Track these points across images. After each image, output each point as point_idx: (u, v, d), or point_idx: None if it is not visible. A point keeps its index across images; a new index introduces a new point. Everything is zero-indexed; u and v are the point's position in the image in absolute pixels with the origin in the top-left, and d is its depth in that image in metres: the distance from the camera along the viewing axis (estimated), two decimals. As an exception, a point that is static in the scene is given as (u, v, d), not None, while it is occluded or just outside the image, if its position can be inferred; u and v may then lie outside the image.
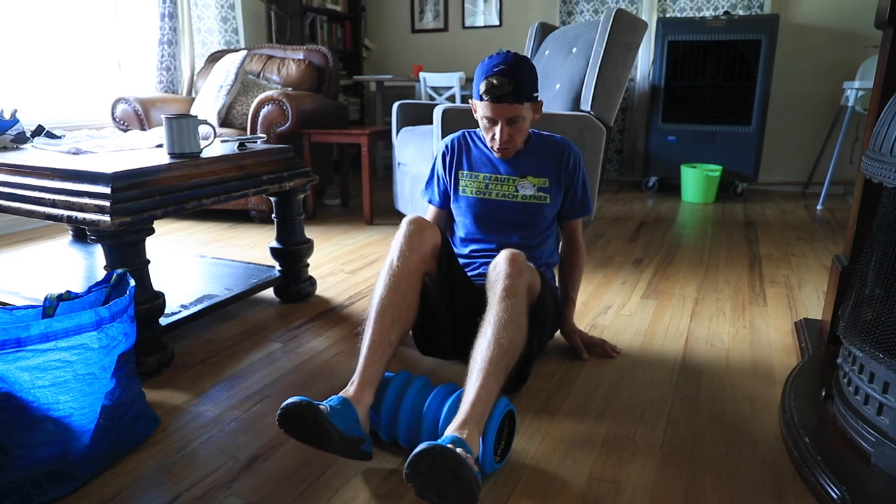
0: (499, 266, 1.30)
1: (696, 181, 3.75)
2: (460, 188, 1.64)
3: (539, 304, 1.40)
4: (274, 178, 1.83)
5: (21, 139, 1.97)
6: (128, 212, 1.40)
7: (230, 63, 3.29)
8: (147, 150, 1.87)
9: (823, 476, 1.09)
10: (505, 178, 1.60)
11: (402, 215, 3.24)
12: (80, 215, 1.42)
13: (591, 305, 2.04)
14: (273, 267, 2.08)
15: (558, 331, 1.71)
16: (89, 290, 1.32)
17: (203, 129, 1.82)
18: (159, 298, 1.52)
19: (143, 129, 3.31)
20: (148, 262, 1.51)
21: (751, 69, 3.71)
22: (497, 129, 1.50)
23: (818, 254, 2.65)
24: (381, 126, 3.75)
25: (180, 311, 1.71)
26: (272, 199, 1.97)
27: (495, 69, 1.43)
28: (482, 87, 1.45)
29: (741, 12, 4.00)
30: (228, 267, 2.11)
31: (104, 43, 3.53)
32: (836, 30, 3.86)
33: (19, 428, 1.05)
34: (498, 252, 1.59)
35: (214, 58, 3.69)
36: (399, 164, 2.99)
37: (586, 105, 2.44)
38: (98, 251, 2.32)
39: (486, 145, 1.62)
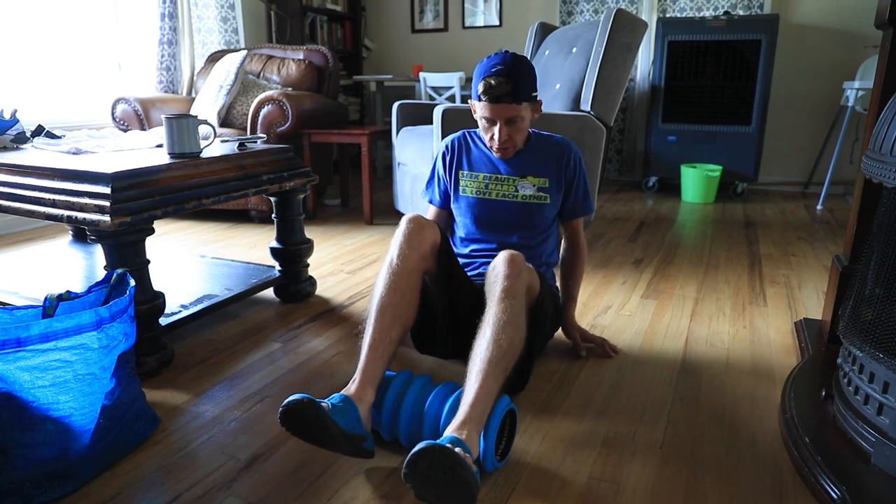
0: (497, 267, 1.30)
1: (696, 181, 3.75)
2: (460, 188, 1.64)
3: (538, 304, 1.41)
4: (274, 178, 1.83)
5: (21, 139, 1.97)
6: (128, 212, 1.40)
7: (230, 63, 3.29)
8: (147, 150, 1.87)
9: (823, 476, 1.09)
10: (505, 178, 1.60)
11: (402, 215, 3.24)
12: (80, 215, 1.42)
13: (591, 305, 2.04)
14: (273, 267, 2.08)
15: (558, 330, 1.71)
16: (89, 290, 1.32)
17: (203, 129, 1.82)
18: (159, 298, 1.52)
19: (143, 129, 3.31)
20: (148, 262, 1.51)
21: (751, 69, 3.71)
22: (496, 129, 1.50)
23: (818, 254, 2.65)
24: (381, 126, 3.75)
25: (180, 311, 1.71)
26: (272, 199, 1.97)
27: (493, 69, 1.43)
28: (480, 88, 1.45)
29: (741, 12, 4.00)
30: (228, 267, 2.11)
31: (104, 43, 3.53)
32: (836, 30, 3.86)
33: (19, 428, 1.05)
34: (498, 252, 1.60)
35: (214, 58, 3.69)
36: (399, 164, 2.99)
37: (586, 105, 2.44)
38: (98, 251, 2.32)
39: (486, 145, 1.62)
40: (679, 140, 3.94)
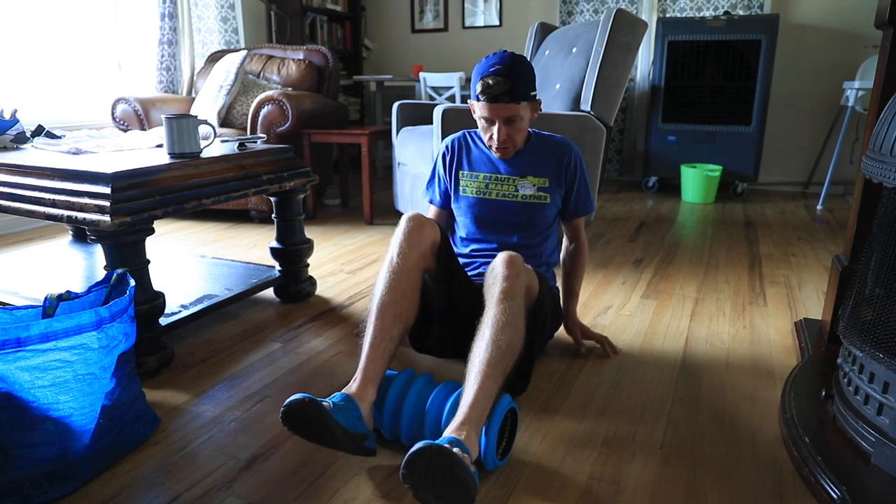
0: (496, 268, 1.30)
1: (696, 181, 3.75)
2: (461, 188, 1.65)
3: (538, 305, 1.41)
4: (274, 178, 1.83)
5: (21, 139, 1.97)
6: (128, 212, 1.40)
7: (230, 63, 3.29)
8: (147, 150, 1.87)
9: (823, 476, 1.09)
10: (505, 177, 1.60)
11: (402, 215, 3.24)
12: (80, 215, 1.42)
13: (591, 305, 2.04)
14: (273, 267, 2.08)
15: (558, 330, 1.71)
16: (89, 290, 1.32)
17: (203, 129, 1.82)
18: (159, 298, 1.52)
19: (143, 129, 3.31)
20: (148, 262, 1.51)
21: (751, 69, 3.71)
22: (495, 129, 1.50)
23: (818, 254, 2.66)
24: (381, 126, 3.75)
25: (180, 311, 1.71)
26: (272, 199, 1.97)
27: (491, 69, 1.43)
28: (478, 88, 1.45)
29: (741, 12, 4.00)
30: (228, 267, 2.11)
31: (104, 43, 3.53)
32: (836, 30, 3.86)
33: (19, 428, 1.05)
34: (498, 252, 1.60)
35: (214, 58, 3.69)
36: (399, 164, 2.99)
37: (586, 105, 2.44)
38: (98, 251, 2.32)
39: (486, 145, 1.62)
40: (679, 140, 3.94)
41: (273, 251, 2.03)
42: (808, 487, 1.13)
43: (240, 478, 1.16)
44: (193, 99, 3.60)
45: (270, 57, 3.63)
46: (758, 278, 2.32)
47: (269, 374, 1.57)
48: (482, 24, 4.77)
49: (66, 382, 1.08)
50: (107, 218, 1.37)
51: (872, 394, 1.14)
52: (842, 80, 3.84)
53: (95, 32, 3.47)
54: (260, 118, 3.07)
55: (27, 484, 1.06)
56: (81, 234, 2.51)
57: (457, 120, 2.35)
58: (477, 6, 4.75)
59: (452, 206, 1.68)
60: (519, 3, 4.62)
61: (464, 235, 1.67)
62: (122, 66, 3.67)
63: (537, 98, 1.53)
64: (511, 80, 1.42)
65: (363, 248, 2.75)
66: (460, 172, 1.65)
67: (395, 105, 3.03)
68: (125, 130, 3.32)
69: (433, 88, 4.15)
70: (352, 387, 1.20)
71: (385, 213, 3.42)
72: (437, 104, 2.83)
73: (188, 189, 1.58)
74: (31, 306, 1.27)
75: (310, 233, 2.72)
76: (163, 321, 1.60)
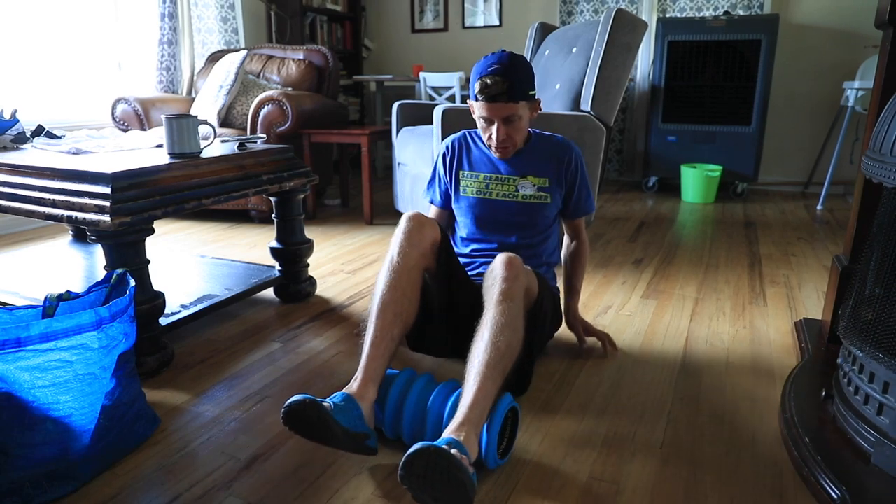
0: (495, 270, 1.30)
1: (696, 181, 3.75)
2: (461, 188, 1.65)
3: (537, 306, 1.41)
4: (274, 178, 1.83)
5: (21, 139, 1.97)
6: (128, 212, 1.40)
7: (230, 63, 3.29)
8: (147, 150, 1.87)
9: (823, 476, 1.09)
10: (505, 177, 1.60)
11: (402, 215, 3.24)
12: (80, 215, 1.42)
13: (591, 305, 2.04)
14: (273, 267, 2.08)
15: (559, 330, 1.71)
16: (89, 290, 1.32)
17: (203, 129, 1.82)
18: (159, 298, 1.52)
19: (143, 129, 3.31)
20: (148, 262, 1.51)
21: (751, 69, 3.71)
22: (494, 128, 1.50)
23: (818, 254, 2.66)
24: (381, 126, 3.75)
25: (180, 311, 1.71)
26: (272, 199, 1.97)
27: (489, 69, 1.44)
28: (477, 87, 1.45)
29: (741, 12, 4.00)
30: (228, 267, 2.11)
31: (104, 43, 3.53)
32: (836, 30, 3.86)
33: (19, 428, 1.05)
34: (499, 251, 1.60)
35: (214, 58, 3.69)
36: (399, 164, 2.99)
37: (586, 105, 2.44)
38: (98, 251, 2.32)
39: (486, 145, 1.62)
40: (679, 140, 3.94)
41: (273, 251, 2.03)
42: (808, 487, 1.13)
43: (240, 478, 1.16)
44: (193, 99, 3.60)
45: (270, 57, 3.63)
46: (758, 278, 2.32)
47: (269, 374, 1.57)
48: (482, 24, 4.77)
49: (66, 382, 1.08)
50: (107, 218, 1.37)
51: (872, 394, 1.14)
52: (842, 80, 3.84)
53: (95, 32, 3.47)
54: (260, 118, 3.07)
55: (27, 484, 1.06)
56: (81, 234, 2.51)
57: (457, 120, 2.35)
58: (477, 6, 4.75)
59: (453, 206, 1.69)
60: (519, 3, 4.62)
61: (464, 235, 1.67)
62: (122, 66, 3.67)
63: (536, 97, 1.53)
64: (509, 79, 1.42)
65: (363, 248, 2.75)
66: (461, 172, 1.65)
67: (395, 105, 3.03)
68: (125, 130, 3.32)
69: (433, 88, 4.15)
70: (352, 386, 1.20)
71: (385, 213, 3.42)
72: (437, 104, 2.83)
73: (188, 189, 1.58)
74: (31, 306, 1.27)
75: (310, 233, 2.72)
76: (163, 321, 1.60)
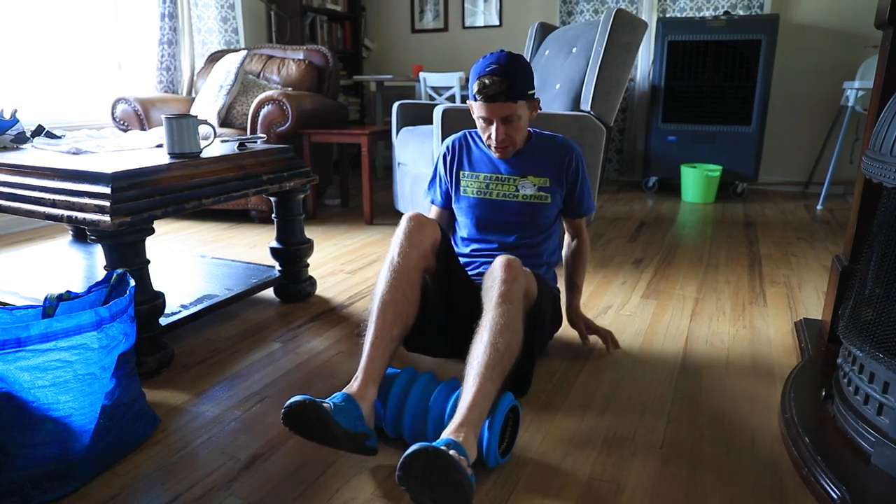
0: (495, 272, 1.30)
1: (696, 181, 3.75)
2: (461, 188, 1.65)
3: (536, 307, 1.40)
4: (274, 178, 1.83)
5: (21, 139, 1.97)
6: (128, 212, 1.40)
7: (230, 63, 3.29)
8: (147, 150, 1.87)
9: (823, 476, 1.09)
10: (505, 177, 1.60)
11: (402, 215, 3.24)
12: (80, 215, 1.42)
13: (591, 305, 2.04)
14: (273, 267, 2.08)
15: (559, 331, 1.71)
16: (89, 290, 1.32)
17: (203, 129, 1.82)
18: (159, 298, 1.52)
19: (143, 129, 3.31)
20: (148, 262, 1.51)
21: (751, 69, 3.71)
22: (493, 128, 1.50)
23: (818, 254, 2.65)
24: (381, 126, 3.75)
25: (180, 311, 1.71)
26: (272, 199, 1.97)
27: (487, 69, 1.44)
28: (475, 87, 1.45)
29: (741, 12, 4.00)
30: (228, 267, 2.11)
31: (104, 43, 3.53)
32: (836, 30, 3.86)
33: (19, 428, 1.05)
34: (499, 251, 1.60)
35: (214, 58, 3.69)
36: (399, 164, 2.99)
37: (586, 105, 2.44)
38: (98, 251, 2.32)
39: (486, 145, 1.62)
40: (679, 140, 3.94)
41: (273, 251, 2.03)
42: (808, 487, 1.13)
43: (240, 478, 1.16)
44: (193, 99, 3.60)
45: (270, 57, 3.63)
46: (758, 278, 2.32)
47: (269, 374, 1.57)
48: (482, 24, 4.77)
49: (66, 382, 1.08)
50: (107, 218, 1.37)
51: (872, 394, 1.14)
52: (842, 80, 3.84)
53: (95, 32, 3.47)
54: (260, 118, 3.07)
55: (27, 484, 1.06)
56: (81, 234, 2.51)
57: (457, 120, 2.35)
58: (477, 6, 4.75)
59: (453, 206, 1.69)
60: (519, 3, 4.62)
61: (465, 235, 1.68)
62: (122, 66, 3.67)
63: (535, 97, 1.53)
64: (507, 79, 1.42)
65: (363, 248, 2.75)
66: (461, 173, 1.65)
67: (395, 105, 3.03)
68: (125, 130, 3.32)
69: (433, 88, 4.15)
70: (353, 386, 1.20)
71: (385, 213, 3.42)
72: (437, 104, 2.83)
73: (188, 189, 1.58)
74: (31, 306, 1.27)
75: (310, 233, 2.72)
76: (163, 321, 1.60)
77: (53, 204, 1.49)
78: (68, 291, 1.29)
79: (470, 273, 1.59)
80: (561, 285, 1.75)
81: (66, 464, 1.10)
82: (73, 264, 2.17)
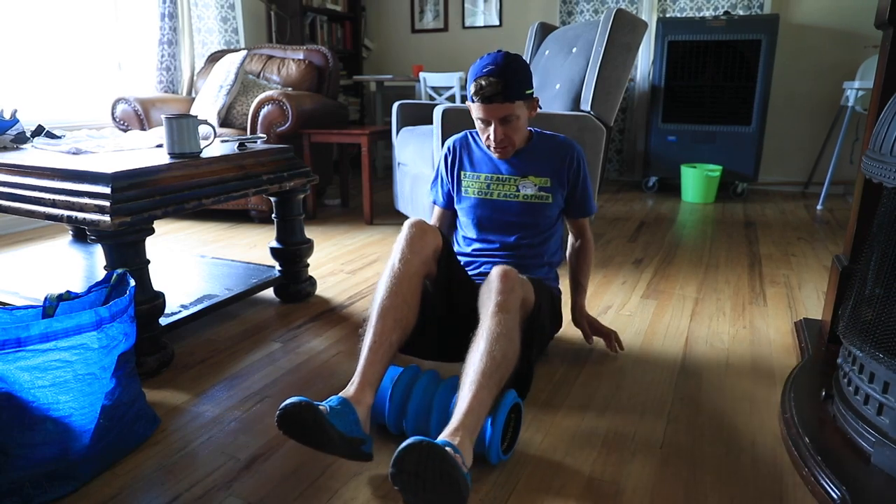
0: (491, 282, 1.30)
1: (696, 181, 3.75)
2: (463, 189, 1.65)
3: (535, 313, 1.40)
4: (274, 178, 1.83)
5: (21, 139, 1.97)
6: (128, 212, 1.40)
7: (230, 63, 3.29)
8: (147, 150, 1.87)
9: (823, 476, 1.09)
10: (506, 177, 1.60)
11: (403, 215, 3.24)
12: (80, 215, 1.42)
13: (591, 305, 2.04)
14: (273, 267, 2.08)
15: (559, 331, 1.71)
16: (89, 290, 1.32)
17: (203, 129, 1.82)
18: (159, 298, 1.52)
19: (143, 129, 3.31)
20: (148, 262, 1.51)
21: (751, 69, 3.71)
22: (491, 129, 1.50)
23: (818, 254, 2.65)
24: (381, 126, 3.75)
25: (180, 311, 1.71)
26: (272, 199, 1.97)
27: (484, 70, 1.44)
28: (472, 89, 1.45)
29: (741, 12, 4.00)
30: (228, 267, 2.11)
31: (104, 43, 3.53)
32: (836, 30, 3.86)
33: (19, 428, 1.05)
34: (501, 251, 1.60)
35: (214, 58, 3.69)
36: (399, 164, 2.99)
37: (586, 105, 2.44)
38: (98, 251, 2.32)
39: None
40: (679, 140, 3.94)
41: (273, 251, 2.03)
42: (808, 487, 1.13)
43: (240, 478, 1.16)
44: (193, 99, 3.60)
45: (270, 57, 3.63)
46: (758, 278, 2.32)
47: (269, 374, 1.57)
48: (482, 24, 4.77)
49: (66, 382, 1.08)
50: (107, 218, 1.37)
51: (872, 394, 1.14)
52: (842, 80, 3.84)
53: (95, 32, 3.47)
54: (260, 118, 3.07)
55: (27, 484, 1.06)
56: (81, 234, 2.51)
57: (457, 120, 2.35)
58: (477, 6, 4.75)
59: (456, 206, 1.69)
60: (519, 3, 4.62)
61: (466, 235, 1.68)
62: (122, 66, 3.67)
63: (534, 96, 1.52)
64: (504, 79, 1.42)
65: (363, 248, 2.75)
66: (462, 173, 1.65)
67: (395, 105, 3.03)
68: (125, 130, 3.32)
69: (433, 88, 4.15)
70: (349, 390, 1.19)
71: (385, 213, 3.42)
72: (437, 104, 2.83)
73: (188, 189, 1.58)
74: (31, 306, 1.27)
75: (310, 233, 2.72)
76: (163, 321, 1.60)
77: (53, 204, 1.49)
78: (68, 291, 1.29)
79: (470, 273, 1.59)
80: (563, 285, 1.75)
81: (66, 464, 1.10)
82: (73, 264, 2.17)
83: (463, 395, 1.13)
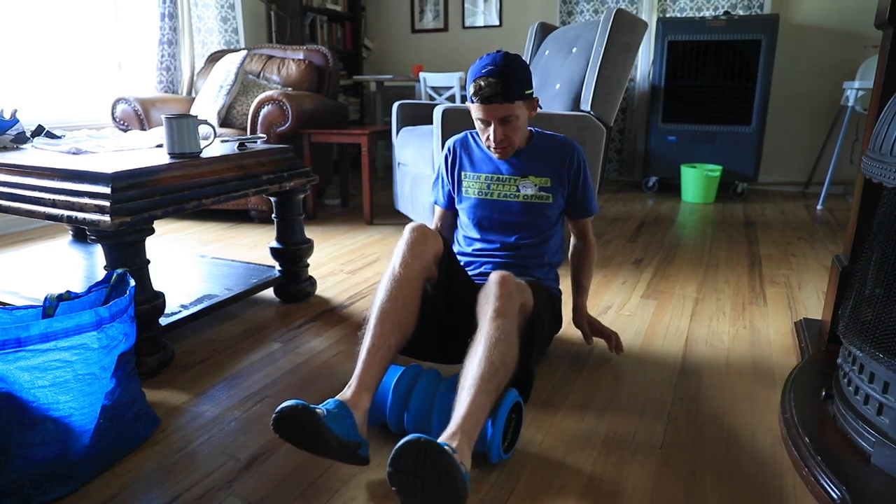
0: (490, 288, 1.29)
1: (696, 181, 3.75)
2: (463, 189, 1.65)
3: (534, 318, 1.40)
4: (274, 178, 1.83)
5: (21, 139, 1.97)
6: (128, 212, 1.40)
7: (230, 63, 3.29)
8: (147, 150, 1.87)
9: (823, 476, 1.09)
10: (506, 178, 1.60)
11: (402, 215, 3.24)
12: (80, 215, 1.42)
13: (592, 305, 2.03)
14: (273, 267, 2.08)
15: (559, 332, 1.71)
16: (89, 290, 1.32)
17: (203, 129, 1.82)
18: (159, 298, 1.52)
19: (143, 129, 3.31)
20: (148, 262, 1.51)
21: (751, 69, 3.71)
22: (491, 129, 1.50)
23: (818, 254, 2.66)
24: (381, 126, 3.75)
25: (180, 311, 1.71)
26: (272, 199, 1.98)
27: (483, 70, 1.44)
28: (471, 89, 1.45)
29: (741, 12, 4.00)
30: (228, 267, 2.11)
31: (104, 43, 3.53)
32: (836, 30, 3.86)
33: (19, 428, 1.05)
34: (501, 251, 1.60)
35: (214, 58, 3.70)
36: (399, 164, 2.99)
37: (586, 105, 2.44)
38: (98, 251, 2.32)
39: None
40: (679, 140, 3.94)
41: (273, 251, 2.03)
42: (808, 487, 1.13)
43: (240, 478, 1.16)
44: (193, 99, 3.60)
45: (270, 57, 3.63)
46: (758, 278, 2.32)
47: (269, 374, 1.57)
48: (482, 24, 4.77)
49: (66, 382, 1.08)
50: (107, 218, 1.37)
51: (872, 394, 1.14)
52: (842, 80, 3.84)
53: (95, 32, 3.47)
54: (260, 118, 3.07)
55: (27, 484, 1.06)
56: (81, 234, 2.51)
57: (457, 120, 2.35)
58: (477, 6, 4.75)
59: (457, 206, 1.69)
60: (519, 3, 4.62)
61: (467, 234, 1.68)
62: (122, 66, 3.67)
63: (534, 96, 1.52)
64: (503, 79, 1.42)
65: (363, 248, 2.75)
66: (462, 173, 1.65)
67: (395, 105, 3.03)
68: (125, 130, 3.32)
69: (433, 88, 4.15)
70: (346, 393, 1.18)
71: (385, 213, 3.42)
72: (437, 104, 2.83)
73: (188, 189, 1.58)
74: (31, 306, 1.27)
75: (310, 233, 2.72)
76: (163, 321, 1.60)
77: (53, 204, 1.49)
78: (68, 291, 1.29)
79: (471, 273, 1.59)
80: (563, 285, 1.75)
81: (66, 464, 1.10)
82: (73, 264, 2.17)
83: (461, 400, 1.12)
